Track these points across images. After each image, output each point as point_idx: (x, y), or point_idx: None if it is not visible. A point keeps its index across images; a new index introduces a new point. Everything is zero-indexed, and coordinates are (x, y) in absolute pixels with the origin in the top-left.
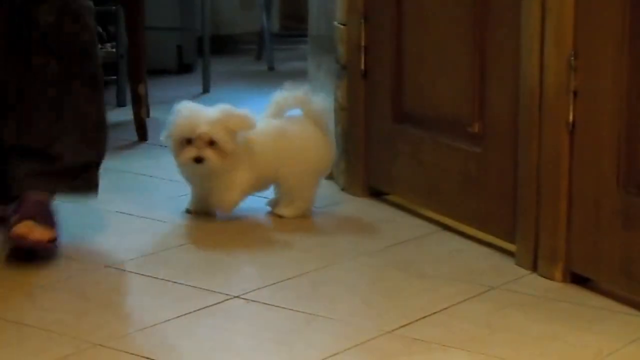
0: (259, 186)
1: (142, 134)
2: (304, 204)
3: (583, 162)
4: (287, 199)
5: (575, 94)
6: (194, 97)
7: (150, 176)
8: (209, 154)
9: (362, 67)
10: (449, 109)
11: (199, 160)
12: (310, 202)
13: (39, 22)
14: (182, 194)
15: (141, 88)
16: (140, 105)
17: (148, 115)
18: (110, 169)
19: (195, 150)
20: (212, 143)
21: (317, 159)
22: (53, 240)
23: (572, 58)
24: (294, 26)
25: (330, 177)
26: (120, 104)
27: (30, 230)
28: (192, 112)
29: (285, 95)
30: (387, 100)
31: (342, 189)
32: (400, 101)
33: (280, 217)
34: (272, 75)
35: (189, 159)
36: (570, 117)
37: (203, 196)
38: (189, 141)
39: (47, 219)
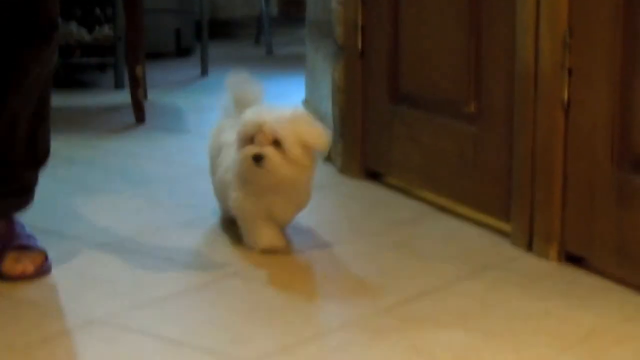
0: None
1: (140, 116)
2: None
3: (577, 140)
4: None
5: (570, 72)
6: (192, 80)
7: (148, 157)
8: (270, 152)
9: (359, 47)
10: (445, 89)
11: (257, 158)
12: None
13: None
14: (180, 174)
15: (139, 70)
16: (137, 87)
17: (146, 97)
18: (108, 150)
19: (256, 147)
20: (276, 143)
21: None
22: (45, 261)
23: (567, 36)
24: (292, 10)
25: (327, 158)
26: (118, 86)
27: (19, 263)
28: (261, 109)
29: (241, 94)
30: (383, 80)
31: (339, 171)
32: (397, 81)
33: None
34: (271, 60)
35: (246, 156)
36: (565, 96)
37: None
38: (252, 140)
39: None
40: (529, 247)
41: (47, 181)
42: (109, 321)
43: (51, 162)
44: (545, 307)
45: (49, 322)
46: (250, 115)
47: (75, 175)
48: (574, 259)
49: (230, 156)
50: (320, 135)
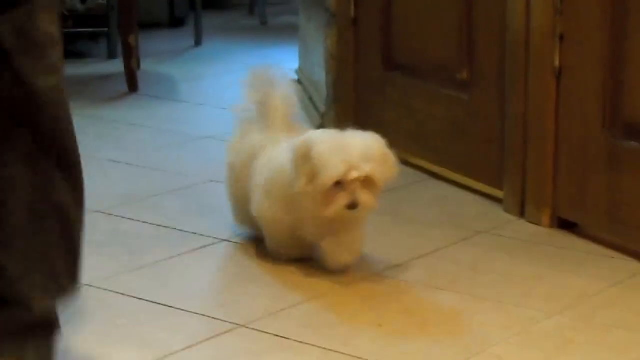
0: None
1: (133, 85)
2: None
3: (569, 106)
4: None
5: (561, 38)
6: (185, 50)
7: (141, 126)
8: (364, 198)
9: (352, 14)
10: (438, 56)
11: (353, 206)
12: None
13: None
14: (172, 142)
15: (132, 39)
16: (130, 56)
17: (139, 67)
18: (101, 119)
19: (349, 195)
20: (367, 182)
21: None
22: None
23: (558, 2)
24: None
25: (321, 126)
26: (112, 56)
27: None
28: (338, 146)
29: (270, 95)
30: (376, 47)
31: None
32: (390, 48)
33: None
34: (265, 30)
35: (342, 206)
36: (557, 62)
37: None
38: (337, 183)
39: None
40: (522, 213)
41: None
42: (101, 285)
43: None
44: (536, 271)
45: None
46: (333, 156)
47: None
48: (566, 225)
49: (273, 163)
50: (395, 162)
